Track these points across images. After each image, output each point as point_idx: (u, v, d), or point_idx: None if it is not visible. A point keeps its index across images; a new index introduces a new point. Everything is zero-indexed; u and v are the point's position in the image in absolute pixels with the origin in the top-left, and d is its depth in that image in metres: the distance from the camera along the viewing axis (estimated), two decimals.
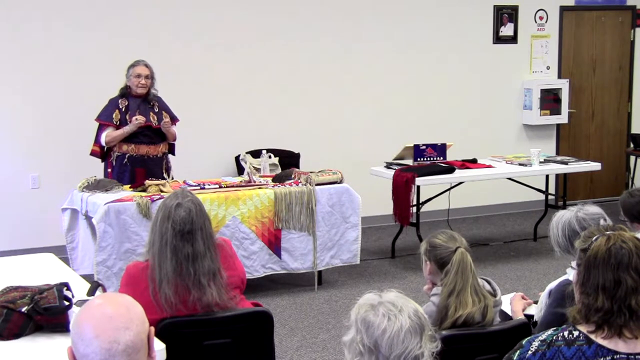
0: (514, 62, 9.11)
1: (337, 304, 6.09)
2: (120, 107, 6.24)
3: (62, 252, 5.78)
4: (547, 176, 8.02)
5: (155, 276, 3.34)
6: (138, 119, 6.14)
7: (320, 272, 6.44)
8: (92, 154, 6.39)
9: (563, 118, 9.26)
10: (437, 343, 2.16)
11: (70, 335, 1.94)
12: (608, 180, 9.72)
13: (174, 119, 6.44)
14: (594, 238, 2.41)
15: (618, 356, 2.31)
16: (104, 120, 6.26)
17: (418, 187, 6.95)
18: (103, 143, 6.24)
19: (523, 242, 7.93)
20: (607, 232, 2.41)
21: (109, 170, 6.30)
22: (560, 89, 9.18)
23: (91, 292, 3.43)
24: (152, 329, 1.98)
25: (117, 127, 6.22)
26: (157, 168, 6.35)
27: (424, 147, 7.32)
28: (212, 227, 3.50)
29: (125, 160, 6.24)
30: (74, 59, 7.27)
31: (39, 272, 3.95)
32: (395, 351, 2.08)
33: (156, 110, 6.34)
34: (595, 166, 7.81)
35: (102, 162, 6.41)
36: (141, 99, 6.29)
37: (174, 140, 6.47)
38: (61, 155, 7.28)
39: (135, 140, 6.24)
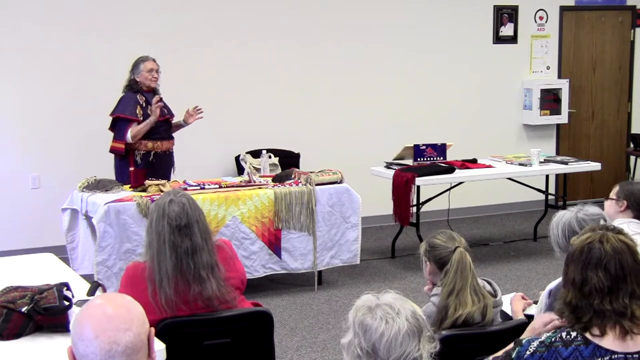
0: (514, 62, 9.11)
1: (337, 304, 6.09)
2: (141, 102, 6.28)
3: (62, 252, 5.78)
4: (547, 176, 8.02)
5: (154, 277, 3.34)
6: (158, 104, 6.17)
7: (320, 272, 6.44)
8: (114, 150, 6.33)
9: (563, 118, 9.26)
10: (435, 344, 2.16)
11: (71, 335, 1.94)
12: (608, 180, 9.70)
13: (171, 115, 6.49)
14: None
15: (615, 356, 2.31)
16: (129, 115, 6.24)
17: (418, 187, 6.95)
18: (130, 139, 6.22)
19: (523, 242, 7.93)
20: (599, 232, 2.43)
21: (132, 169, 6.28)
22: (560, 89, 9.18)
23: (91, 292, 3.44)
24: (152, 329, 1.98)
25: (140, 123, 6.24)
26: (172, 162, 6.50)
27: (424, 147, 7.32)
28: (207, 221, 3.52)
29: (152, 158, 6.30)
30: (74, 60, 7.27)
31: (39, 272, 3.96)
32: (393, 354, 2.08)
33: (163, 105, 6.38)
34: (595, 166, 7.81)
35: (120, 159, 6.35)
36: (151, 93, 6.34)
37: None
38: (61, 155, 7.29)
39: (157, 136, 6.32)
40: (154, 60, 6.36)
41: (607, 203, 4.16)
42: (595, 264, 2.34)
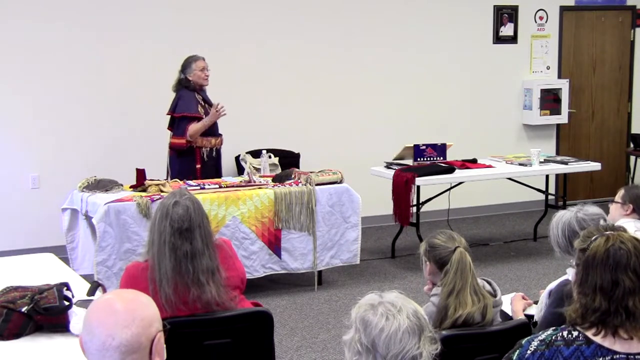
0: (514, 62, 9.11)
1: (337, 304, 6.09)
2: (200, 101, 6.41)
3: (62, 252, 5.78)
4: (547, 176, 8.02)
5: (155, 276, 3.34)
6: (223, 109, 6.34)
7: (320, 272, 6.44)
8: (176, 146, 6.38)
9: (563, 118, 9.26)
10: (437, 345, 2.16)
11: (83, 321, 1.99)
12: (608, 180, 9.72)
13: None
14: (593, 238, 2.41)
15: (617, 356, 2.31)
16: (194, 112, 6.35)
17: (418, 187, 6.95)
18: (188, 137, 6.32)
19: (523, 242, 7.93)
20: (606, 233, 2.41)
21: (198, 166, 6.40)
22: (560, 89, 9.18)
23: (91, 292, 3.44)
24: (160, 335, 1.97)
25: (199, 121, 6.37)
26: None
27: (424, 147, 7.32)
28: (210, 226, 3.51)
29: (214, 153, 6.48)
30: (74, 59, 7.27)
31: (39, 272, 3.96)
32: (392, 351, 2.09)
33: (224, 112, 6.53)
34: (595, 166, 7.81)
35: (184, 157, 6.42)
36: (204, 91, 6.51)
37: None
38: (61, 155, 7.28)
39: (217, 133, 6.50)
40: (204, 59, 6.50)
41: (612, 206, 4.15)
42: (625, 266, 2.33)
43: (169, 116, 6.50)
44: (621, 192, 4.14)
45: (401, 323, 2.10)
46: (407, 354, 2.09)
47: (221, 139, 6.57)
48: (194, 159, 6.41)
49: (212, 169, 6.47)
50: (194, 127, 6.32)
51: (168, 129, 6.54)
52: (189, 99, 6.40)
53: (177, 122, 6.41)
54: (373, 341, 2.10)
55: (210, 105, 6.47)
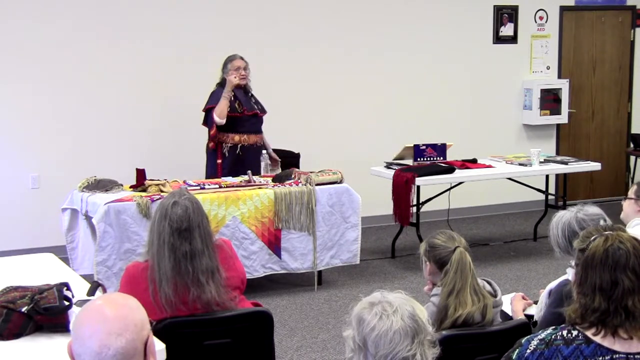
0: (514, 62, 9.11)
1: (337, 304, 6.09)
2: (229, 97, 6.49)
3: (62, 252, 5.78)
4: (547, 176, 8.02)
5: (154, 276, 3.34)
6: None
7: (320, 272, 6.44)
8: (211, 138, 6.53)
9: (563, 118, 9.26)
10: (437, 349, 2.15)
11: (71, 331, 1.95)
12: (608, 180, 9.72)
13: (262, 111, 6.74)
14: (592, 238, 2.41)
15: (617, 356, 2.31)
16: (213, 103, 6.48)
17: (418, 187, 6.95)
18: (217, 120, 6.40)
19: (523, 242, 7.93)
20: (605, 233, 2.41)
21: (219, 161, 6.51)
22: (560, 89, 9.18)
23: (91, 292, 3.44)
24: (151, 337, 1.96)
25: (228, 116, 6.45)
26: (260, 156, 6.66)
27: (424, 147, 7.32)
28: (210, 226, 3.50)
29: (238, 150, 6.51)
30: (74, 59, 7.26)
31: (39, 272, 3.95)
32: (381, 351, 2.08)
33: (253, 100, 6.66)
34: (595, 166, 7.81)
35: (211, 152, 6.56)
36: (242, 89, 6.58)
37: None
38: (61, 155, 7.28)
39: (245, 130, 6.55)
40: (242, 58, 6.62)
41: (625, 203, 4.14)
42: (624, 266, 2.33)
43: (203, 113, 6.65)
44: (634, 188, 4.13)
45: (393, 324, 2.09)
46: (397, 355, 2.07)
47: (253, 137, 6.59)
48: (217, 154, 6.54)
49: (233, 165, 6.49)
50: (217, 108, 6.41)
51: (202, 124, 6.66)
52: (217, 95, 6.53)
53: (206, 116, 6.57)
54: (364, 339, 2.10)
55: (251, 104, 6.60)
